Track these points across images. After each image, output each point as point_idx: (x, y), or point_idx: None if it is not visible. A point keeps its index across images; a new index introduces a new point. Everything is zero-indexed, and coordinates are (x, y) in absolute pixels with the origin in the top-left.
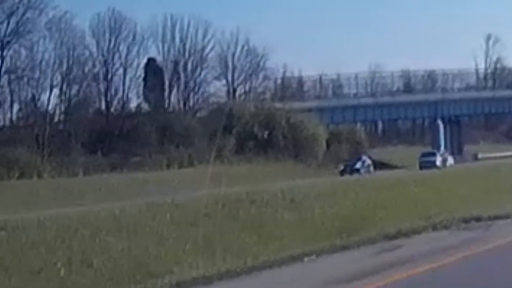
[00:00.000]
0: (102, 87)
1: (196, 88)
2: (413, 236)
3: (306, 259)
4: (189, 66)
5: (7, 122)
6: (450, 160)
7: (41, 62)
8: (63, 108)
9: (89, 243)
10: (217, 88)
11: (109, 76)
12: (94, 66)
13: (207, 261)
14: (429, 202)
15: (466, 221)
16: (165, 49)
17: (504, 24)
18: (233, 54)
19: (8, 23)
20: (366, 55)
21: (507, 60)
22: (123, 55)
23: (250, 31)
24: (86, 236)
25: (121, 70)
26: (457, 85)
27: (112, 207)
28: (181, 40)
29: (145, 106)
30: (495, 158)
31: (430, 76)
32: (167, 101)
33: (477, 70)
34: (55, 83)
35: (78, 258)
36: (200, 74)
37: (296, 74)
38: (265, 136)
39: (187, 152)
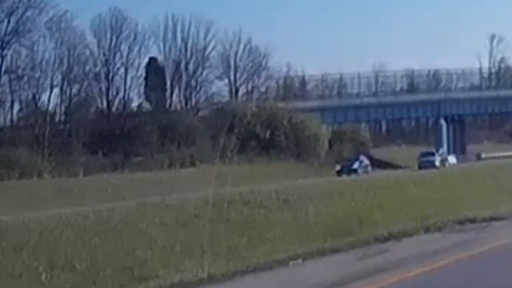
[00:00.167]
0: (103, 86)
1: (198, 88)
2: (404, 239)
3: (291, 263)
4: (191, 66)
5: (8, 122)
6: (453, 160)
7: (41, 61)
8: (63, 108)
9: (74, 246)
10: (219, 88)
11: (110, 75)
12: (95, 65)
13: (195, 264)
14: (426, 202)
15: (460, 222)
16: (167, 48)
17: (508, 24)
18: (236, 54)
19: (8, 22)
20: (370, 54)
21: (511, 60)
22: (125, 54)
23: (253, 30)
24: (70, 238)
25: (122, 70)
26: (461, 84)
27: (100, 208)
28: (182, 39)
29: (146, 106)
30: (498, 157)
31: (434, 75)
32: (168, 101)
33: (481, 70)
34: (55, 82)
35: (61, 262)
36: (201, 73)
37: (300, 73)
38: (267, 136)
39: (188, 152)
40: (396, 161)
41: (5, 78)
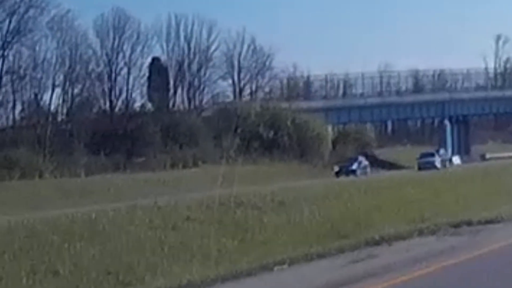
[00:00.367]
0: (106, 86)
1: (201, 88)
2: (396, 243)
3: (276, 268)
4: (194, 66)
5: (9, 123)
6: (457, 160)
7: (43, 61)
8: (65, 108)
9: (58, 250)
10: (223, 88)
11: (113, 75)
12: (97, 65)
13: (183, 268)
14: (424, 204)
15: (456, 225)
16: (170, 48)
17: None
18: (239, 54)
19: (10, 22)
20: (375, 54)
21: None
22: (127, 54)
23: (257, 30)
24: (55, 242)
25: (125, 70)
26: (466, 85)
27: (89, 210)
28: (185, 39)
29: (149, 106)
30: (503, 158)
31: (440, 76)
32: (171, 101)
33: (486, 70)
34: (57, 82)
35: (44, 266)
36: (205, 73)
37: (305, 73)
38: (271, 136)
39: (191, 152)
40: (400, 161)
41: (6, 78)
